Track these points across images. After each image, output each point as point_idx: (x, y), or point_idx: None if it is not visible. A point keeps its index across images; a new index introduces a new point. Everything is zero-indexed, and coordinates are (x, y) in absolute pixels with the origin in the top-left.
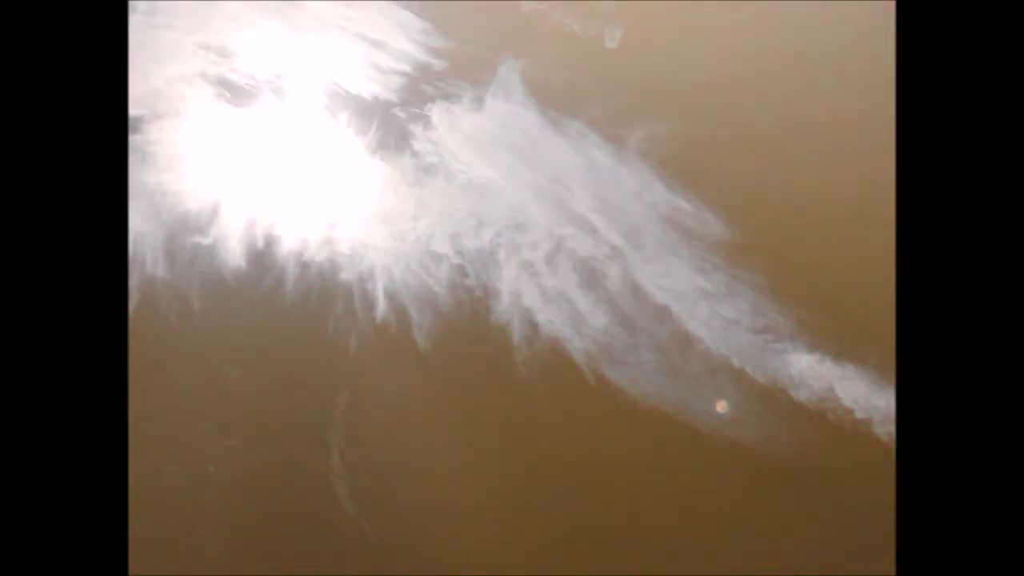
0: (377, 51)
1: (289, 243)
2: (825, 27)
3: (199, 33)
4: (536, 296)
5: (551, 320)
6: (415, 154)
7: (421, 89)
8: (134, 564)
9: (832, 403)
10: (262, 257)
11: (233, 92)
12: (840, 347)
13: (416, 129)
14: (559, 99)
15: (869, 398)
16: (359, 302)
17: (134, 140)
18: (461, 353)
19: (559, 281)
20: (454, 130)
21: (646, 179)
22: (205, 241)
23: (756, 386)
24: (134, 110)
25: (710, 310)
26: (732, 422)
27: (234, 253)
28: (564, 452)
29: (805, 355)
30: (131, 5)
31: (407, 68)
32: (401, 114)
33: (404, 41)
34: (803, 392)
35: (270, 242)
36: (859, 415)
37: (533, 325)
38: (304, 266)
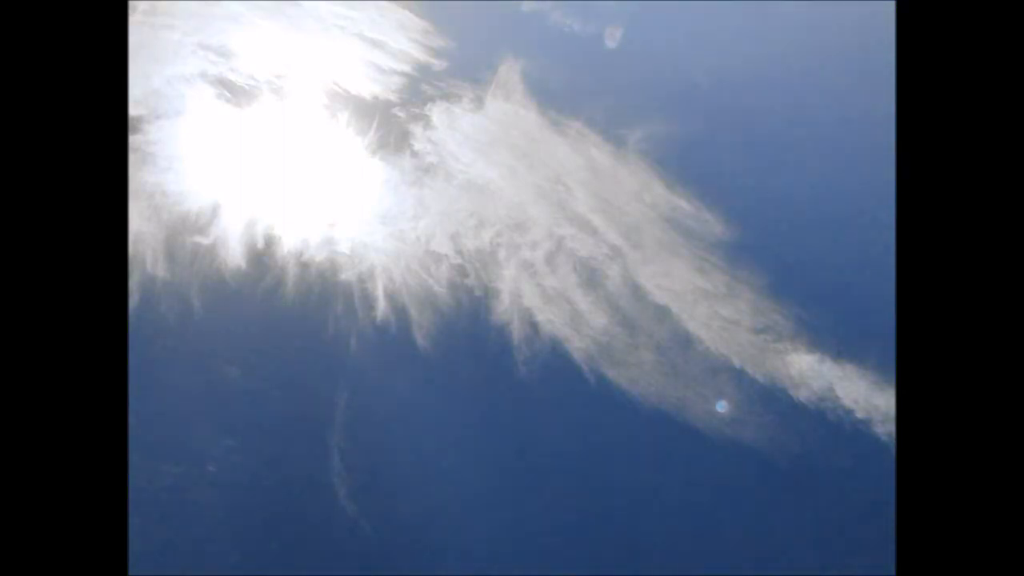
0: (377, 51)
1: (289, 243)
2: (825, 27)
3: (199, 33)
4: (536, 296)
5: (551, 320)
6: (415, 154)
7: (421, 89)
8: (134, 564)
9: (832, 403)
10: (262, 257)
11: (233, 92)
12: (840, 347)
13: (416, 129)
14: (559, 99)
15: (869, 398)
16: (359, 302)
17: (134, 140)
18: (461, 353)
19: (559, 281)
20: (454, 130)
21: (646, 179)
22: (205, 241)
23: (756, 386)
24: (134, 110)
25: (710, 310)
26: (732, 422)
27: (234, 253)
28: (564, 452)
29: (805, 355)
30: (131, 5)
31: (407, 68)
32: (401, 114)
33: (404, 41)
34: (803, 392)
35: (270, 242)
36: (859, 415)
37: (533, 325)
38: (304, 266)
